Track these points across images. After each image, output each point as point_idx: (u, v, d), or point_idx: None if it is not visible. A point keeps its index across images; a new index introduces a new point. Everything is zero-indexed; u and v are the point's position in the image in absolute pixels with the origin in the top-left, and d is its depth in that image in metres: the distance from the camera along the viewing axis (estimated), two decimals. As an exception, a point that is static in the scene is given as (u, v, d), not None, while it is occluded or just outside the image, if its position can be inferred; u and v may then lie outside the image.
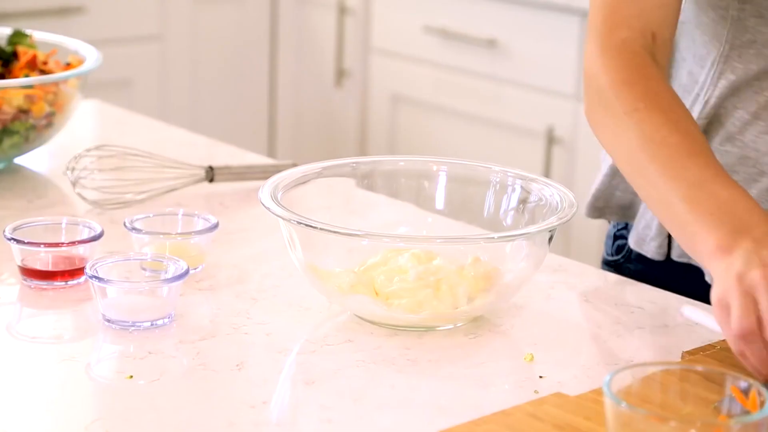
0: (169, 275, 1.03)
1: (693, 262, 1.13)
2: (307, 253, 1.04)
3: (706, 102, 1.12)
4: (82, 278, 1.10)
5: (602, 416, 0.79)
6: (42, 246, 1.09)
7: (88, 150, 1.33)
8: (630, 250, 1.23)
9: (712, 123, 1.13)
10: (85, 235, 1.11)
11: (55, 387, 0.93)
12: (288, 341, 1.01)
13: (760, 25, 1.09)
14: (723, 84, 1.11)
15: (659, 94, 1.03)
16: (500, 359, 1.00)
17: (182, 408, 0.90)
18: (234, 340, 1.01)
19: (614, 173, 1.21)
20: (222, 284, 1.12)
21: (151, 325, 1.02)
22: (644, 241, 1.19)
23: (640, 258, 1.21)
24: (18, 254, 1.09)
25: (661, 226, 1.16)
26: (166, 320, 1.02)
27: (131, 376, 0.94)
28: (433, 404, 0.92)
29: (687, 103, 1.14)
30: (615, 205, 1.22)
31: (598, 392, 0.86)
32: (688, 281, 1.14)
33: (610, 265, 1.26)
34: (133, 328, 1.02)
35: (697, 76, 1.14)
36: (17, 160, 1.40)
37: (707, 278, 1.12)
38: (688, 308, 0.96)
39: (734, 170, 1.12)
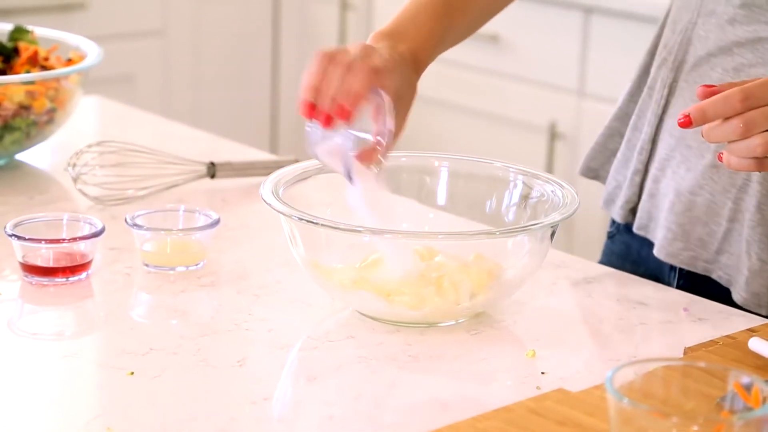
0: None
1: (648, 236, 1.18)
2: (308, 250, 1.03)
3: (678, 68, 1.16)
4: (84, 274, 1.10)
5: (605, 412, 0.79)
6: (43, 242, 1.09)
7: (90, 146, 1.32)
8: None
9: (674, 88, 1.16)
10: (87, 232, 1.11)
11: (56, 383, 0.93)
12: (290, 337, 1.01)
13: None
14: (692, 51, 1.14)
15: None
16: (502, 355, 1.00)
17: (184, 404, 0.90)
18: (235, 336, 1.01)
19: (611, 134, 1.24)
20: (223, 280, 1.11)
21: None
22: (613, 202, 1.23)
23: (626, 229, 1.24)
24: (19, 250, 1.09)
25: (629, 186, 1.20)
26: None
27: (132, 373, 0.94)
28: (435, 400, 0.92)
29: (658, 64, 1.19)
30: (608, 169, 1.26)
31: (601, 388, 0.86)
32: (643, 254, 1.19)
33: (609, 237, 1.28)
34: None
35: (669, 40, 1.18)
36: (18, 156, 1.40)
37: (655, 251, 1.16)
38: (755, 340, 0.95)
39: (694, 138, 1.14)
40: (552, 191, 1.08)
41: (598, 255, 2.13)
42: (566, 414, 0.85)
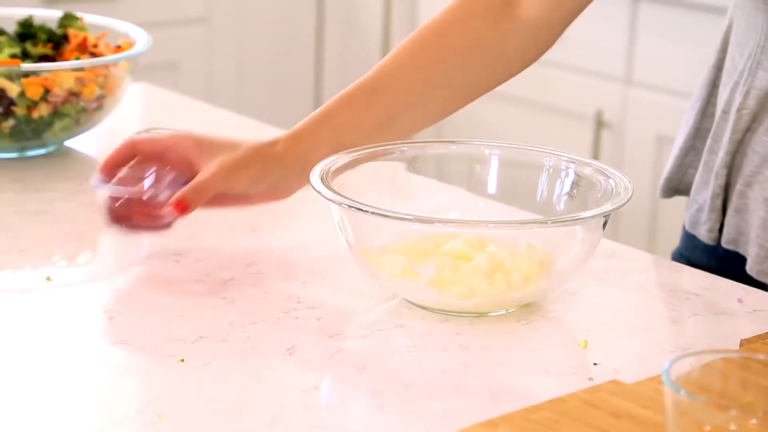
0: None
1: (740, 251, 1.13)
2: (357, 238, 1.03)
3: (747, 92, 1.11)
4: (133, 261, 1.10)
5: (660, 404, 0.78)
6: None
7: (139, 133, 1.32)
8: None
9: (758, 114, 1.11)
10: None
11: (106, 370, 0.93)
12: (338, 326, 1.01)
13: None
14: (762, 76, 1.10)
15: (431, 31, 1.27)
16: (553, 346, 0.99)
17: (233, 392, 0.90)
18: (284, 324, 1.01)
19: (686, 153, 1.21)
20: (271, 268, 1.11)
21: None
22: (698, 224, 1.19)
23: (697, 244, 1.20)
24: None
25: (711, 211, 1.16)
26: None
27: (183, 360, 0.94)
28: (486, 391, 0.91)
29: (729, 87, 1.14)
30: (687, 184, 1.22)
31: (655, 380, 0.85)
32: (733, 270, 1.13)
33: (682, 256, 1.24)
34: None
35: (738, 63, 1.13)
36: (67, 143, 1.40)
37: (747, 268, 1.12)
38: None
39: None
40: (604, 180, 1.06)
41: (645, 244, 2.09)
42: (621, 406, 0.84)
